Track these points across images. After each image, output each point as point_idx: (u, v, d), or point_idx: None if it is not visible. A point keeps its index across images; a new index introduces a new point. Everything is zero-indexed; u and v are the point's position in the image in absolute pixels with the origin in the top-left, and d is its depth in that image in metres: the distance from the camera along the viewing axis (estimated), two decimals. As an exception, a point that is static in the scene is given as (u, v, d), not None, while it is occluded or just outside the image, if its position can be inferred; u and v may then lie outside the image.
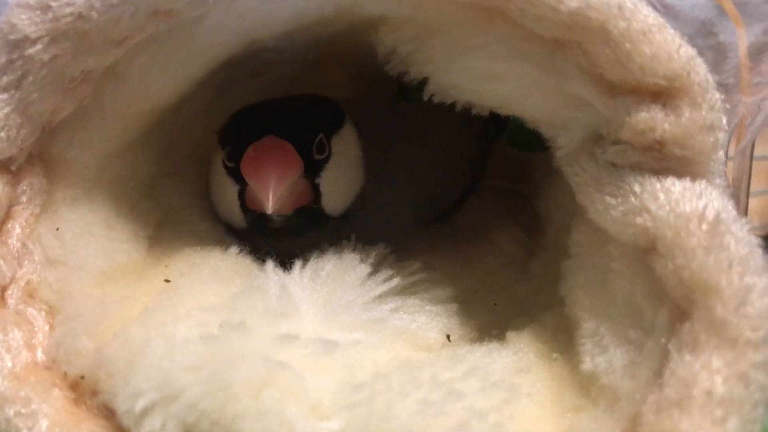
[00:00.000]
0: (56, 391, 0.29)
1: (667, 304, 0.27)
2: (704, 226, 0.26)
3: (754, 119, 0.35)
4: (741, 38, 0.36)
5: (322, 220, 0.39)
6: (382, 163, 0.42)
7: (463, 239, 0.44)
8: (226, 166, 0.39)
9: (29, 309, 0.31)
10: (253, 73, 0.46)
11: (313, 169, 0.38)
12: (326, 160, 0.38)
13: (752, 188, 0.40)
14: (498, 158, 0.53)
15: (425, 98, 0.36)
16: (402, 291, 0.35)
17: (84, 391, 0.29)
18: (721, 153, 0.29)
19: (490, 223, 0.45)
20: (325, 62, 0.51)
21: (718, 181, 0.30)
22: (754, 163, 0.40)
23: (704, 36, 0.48)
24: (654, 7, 0.49)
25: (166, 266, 0.35)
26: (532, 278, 0.41)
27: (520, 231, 0.44)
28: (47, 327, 0.31)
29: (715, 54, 0.47)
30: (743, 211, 0.32)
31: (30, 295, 0.32)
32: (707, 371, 0.24)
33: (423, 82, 0.36)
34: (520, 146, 0.53)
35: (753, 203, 0.42)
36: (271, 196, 0.34)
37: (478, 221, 0.46)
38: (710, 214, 0.26)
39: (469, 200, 0.49)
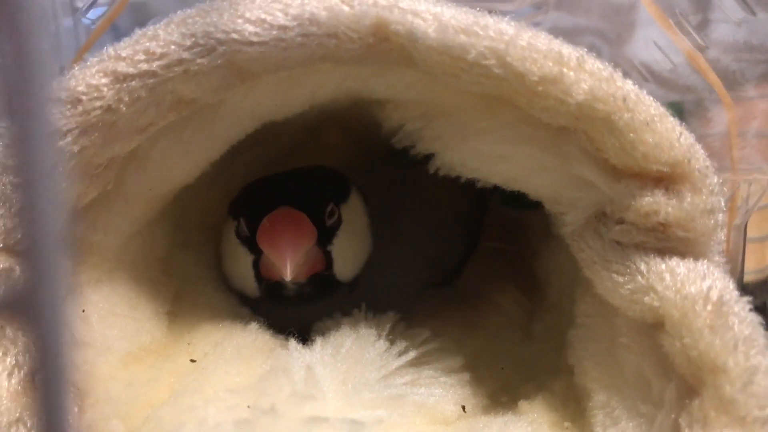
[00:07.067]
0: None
1: (674, 380, 0.29)
2: (709, 307, 0.28)
3: (746, 197, 0.37)
4: (730, 118, 0.38)
5: (334, 286, 0.41)
6: (388, 230, 0.44)
7: (466, 303, 0.45)
8: (239, 236, 0.40)
9: (58, 392, 0.32)
10: (258, 142, 0.47)
11: (325, 237, 0.39)
12: (337, 227, 0.40)
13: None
14: (493, 219, 0.55)
15: (431, 171, 0.37)
16: (415, 362, 0.36)
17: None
18: (721, 233, 0.31)
19: (491, 286, 0.46)
20: (325, 127, 0.53)
21: (717, 258, 0.31)
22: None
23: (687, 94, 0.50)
24: (642, 75, 0.51)
25: (188, 344, 0.36)
26: (535, 340, 0.42)
27: (520, 294, 0.46)
28: (76, 409, 0.32)
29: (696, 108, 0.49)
30: (739, 284, 0.33)
31: (58, 377, 0.32)
32: (719, 448, 0.26)
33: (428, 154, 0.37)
34: (512, 204, 0.54)
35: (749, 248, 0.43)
36: (288, 263, 0.35)
37: (480, 284, 0.47)
38: (714, 295, 0.28)
39: (469, 263, 0.51)
